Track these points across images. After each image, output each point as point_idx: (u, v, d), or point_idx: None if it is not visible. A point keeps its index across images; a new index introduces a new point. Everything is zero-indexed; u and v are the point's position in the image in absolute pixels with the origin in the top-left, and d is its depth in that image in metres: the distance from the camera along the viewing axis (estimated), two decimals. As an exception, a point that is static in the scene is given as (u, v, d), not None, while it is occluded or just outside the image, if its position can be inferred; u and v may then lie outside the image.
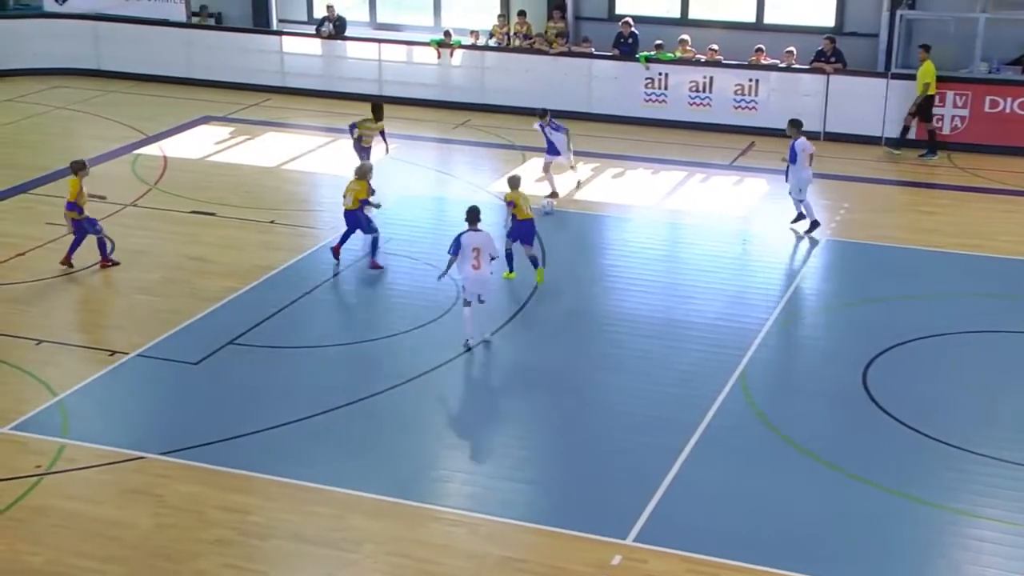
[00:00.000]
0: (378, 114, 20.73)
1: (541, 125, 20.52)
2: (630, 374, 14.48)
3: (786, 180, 19.04)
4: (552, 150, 20.52)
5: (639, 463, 12.45)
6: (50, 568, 10.57)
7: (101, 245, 17.14)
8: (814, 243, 18.55)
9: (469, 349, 14.67)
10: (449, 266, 14.84)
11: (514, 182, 17.05)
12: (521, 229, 16.80)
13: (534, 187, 20.17)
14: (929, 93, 22.44)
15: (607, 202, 20.55)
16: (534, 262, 16.83)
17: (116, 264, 17.13)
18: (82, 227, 16.97)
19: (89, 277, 16.90)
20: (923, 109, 22.64)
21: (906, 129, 22.94)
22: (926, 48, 22.54)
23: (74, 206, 16.89)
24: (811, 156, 18.76)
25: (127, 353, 14.59)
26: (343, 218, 17.43)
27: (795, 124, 18.96)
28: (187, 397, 13.79)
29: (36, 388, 13.73)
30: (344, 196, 17.37)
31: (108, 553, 10.81)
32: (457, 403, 13.99)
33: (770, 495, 11.96)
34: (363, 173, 17.62)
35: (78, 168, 17.17)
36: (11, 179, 20.90)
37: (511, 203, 16.84)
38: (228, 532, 11.18)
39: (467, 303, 14.73)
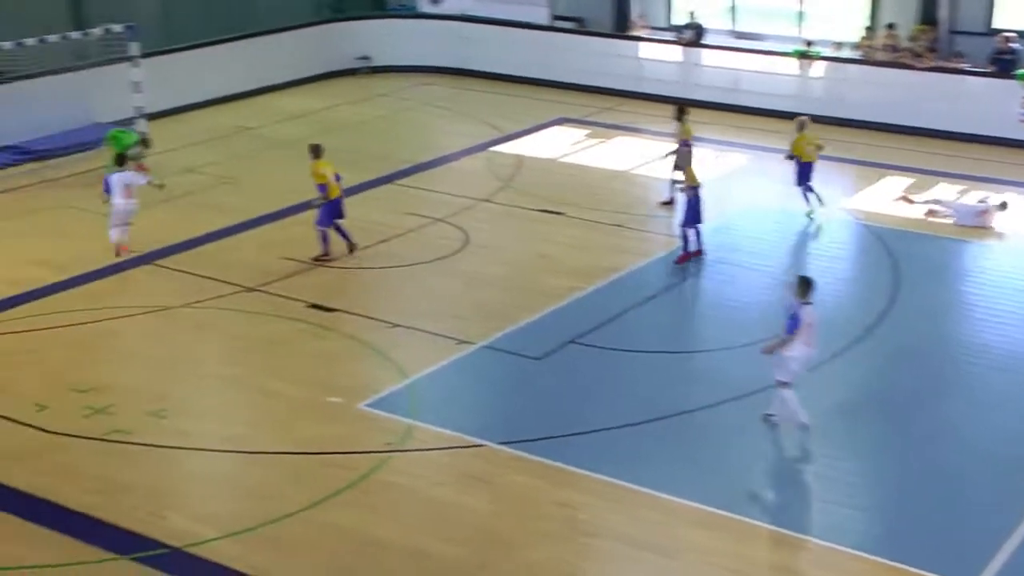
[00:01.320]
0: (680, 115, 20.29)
1: None
2: (982, 407, 13.65)
3: None
4: None
5: (990, 503, 11.69)
6: (394, 541, 11.08)
7: (323, 239, 17.57)
8: None
9: (768, 420, 13.27)
10: (782, 345, 12.80)
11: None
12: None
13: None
14: None
15: (969, 227, 19.44)
16: None
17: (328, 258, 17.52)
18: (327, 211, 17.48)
19: (442, 267, 17.64)
20: None
21: None
22: None
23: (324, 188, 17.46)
24: None
25: (473, 343, 15.11)
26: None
27: None
28: (527, 391, 14.12)
29: (389, 369, 14.45)
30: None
31: (447, 533, 11.23)
32: (792, 424, 13.62)
33: None
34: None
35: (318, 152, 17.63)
36: (380, 169, 22.12)
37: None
38: (559, 527, 11.37)
39: (785, 384, 12.90)
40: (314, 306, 15.24)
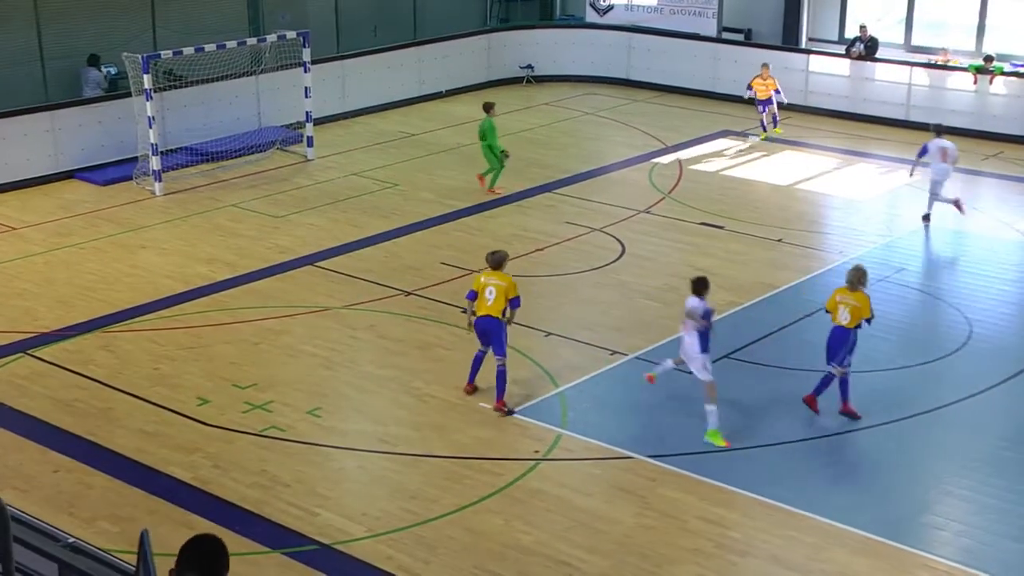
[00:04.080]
0: None
1: None
2: None
3: None
4: None
5: None
6: (538, 548, 11.06)
7: None
8: None
9: None
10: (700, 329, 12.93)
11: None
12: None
13: None
14: None
15: None
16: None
17: None
18: None
19: (597, 278, 17.57)
20: None
21: None
22: None
23: None
24: None
25: (626, 354, 15.00)
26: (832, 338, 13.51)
27: None
28: (679, 404, 13.93)
29: (541, 377, 14.45)
30: (837, 311, 13.38)
31: (592, 544, 11.14)
32: (958, 447, 13.09)
33: None
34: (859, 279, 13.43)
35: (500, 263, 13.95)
36: (540, 178, 22.20)
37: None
38: (706, 543, 11.17)
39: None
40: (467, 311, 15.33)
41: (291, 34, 23.08)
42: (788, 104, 26.56)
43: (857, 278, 13.33)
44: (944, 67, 25.32)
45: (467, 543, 11.15)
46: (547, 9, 31.98)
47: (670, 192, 21.52)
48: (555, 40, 30.29)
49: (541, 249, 18.60)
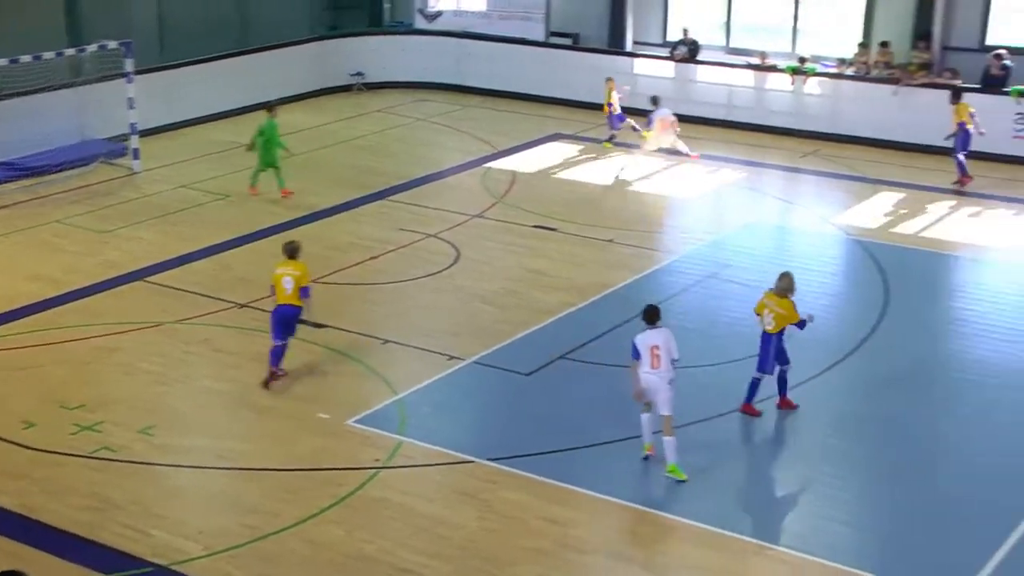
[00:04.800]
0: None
1: None
2: (976, 425, 13.64)
3: None
4: None
5: (980, 520, 11.68)
6: (381, 557, 11.03)
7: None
8: None
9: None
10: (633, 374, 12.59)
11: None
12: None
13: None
14: None
15: (961, 242, 19.48)
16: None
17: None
18: None
19: (433, 283, 17.61)
20: None
21: None
22: None
23: None
24: None
25: (464, 359, 15.08)
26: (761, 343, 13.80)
27: None
28: (518, 407, 14.09)
29: (379, 385, 14.41)
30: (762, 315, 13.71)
31: (435, 550, 11.18)
32: (789, 440, 13.57)
33: None
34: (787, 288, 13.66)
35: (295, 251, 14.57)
36: (373, 185, 22.13)
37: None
38: (548, 543, 11.32)
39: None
40: (304, 322, 15.22)
41: (112, 44, 22.47)
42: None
43: (786, 285, 13.58)
44: (762, 68, 26.18)
45: (308, 555, 11.06)
46: (376, 16, 31.86)
47: (503, 196, 21.71)
48: (385, 47, 30.21)
49: (376, 257, 18.55)
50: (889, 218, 20.52)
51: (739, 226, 20.25)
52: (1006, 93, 23.52)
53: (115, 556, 10.98)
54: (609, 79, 24.61)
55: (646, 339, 12.49)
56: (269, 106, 21.26)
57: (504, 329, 15.92)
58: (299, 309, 14.21)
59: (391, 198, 21.54)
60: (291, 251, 14.41)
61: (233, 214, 20.59)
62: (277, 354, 14.31)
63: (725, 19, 28.13)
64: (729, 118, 26.04)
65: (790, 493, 12.52)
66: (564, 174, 23.28)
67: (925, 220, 20.42)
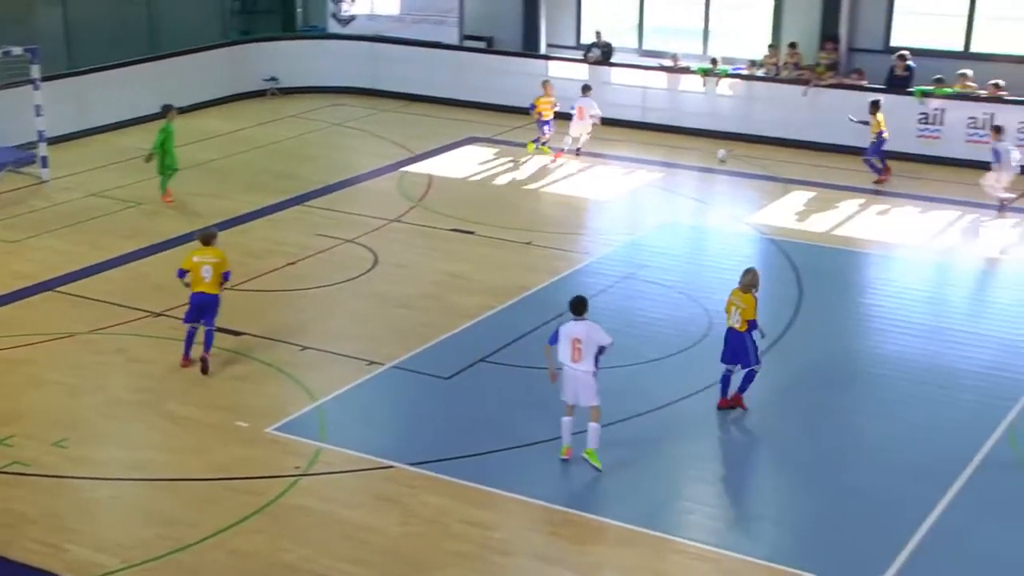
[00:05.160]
0: None
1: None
2: (889, 419, 13.92)
3: None
4: None
5: (894, 511, 11.93)
6: (303, 565, 10.97)
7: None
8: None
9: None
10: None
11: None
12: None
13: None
14: None
15: (870, 239, 19.88)
16: None
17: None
18: None
19: (352, 288, 17.55)
20: None
21: None
22: None
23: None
24: None
25: (383, 364, 15.04)
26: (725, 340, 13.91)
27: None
28: (438, 411, 14.09)
29: (298, 392, 14.33)
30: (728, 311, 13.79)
31: (358, 556, 11.14)
32: (705, 437, 13.73)
33: (1035, 558, 11.25)
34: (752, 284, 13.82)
35: (210, 238, 15.00)
36: (290, 190, 21.97)
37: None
38: (470, 546, 11.34)
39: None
40: (221, 330, 15.09)
41: (17, 50, 22.02)
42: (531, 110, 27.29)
43: (750, 281, 13.70)
44: (675, 70, 26.47)
45: (229, 565, 10.96)
46: (289, 21, 31.65)
47: (420, 200, 21.69)
48: (299, 51, 30.01)
49: (294, 263, 18.42)
50: (801, 217, 20.87)
51: (655, 227, 20.47)
52: (910, 93, 24.05)
53: (28, 573, 10.77)
54: (545, 82, 24.61)
55: (569, 330, 12.58)
56: (165, 109, 21.07)
57: (424, 333, 15.91)
58: (217, 297, 14.59)
59: (308, 203, 21.41)
60: (207, 238, 14.77)
61: (146, 222, 20.31)
62: (193, 336, 14.72)
63: (637, 22, 28.40)
64: (643, 120, 26.28)
65: (708, 490, 12.67)
66: (480, 177, 23.32)
67: (836, 218, 20.81)
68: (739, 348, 13.66)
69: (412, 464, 12.68)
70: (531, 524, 11.76)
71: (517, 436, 13.27)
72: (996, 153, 20.90)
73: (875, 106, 22.56)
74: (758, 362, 13.73)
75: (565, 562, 11.17)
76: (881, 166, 22.77)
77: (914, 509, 11.91)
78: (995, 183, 20.96)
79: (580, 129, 23.98)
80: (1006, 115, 23.06)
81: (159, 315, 16.32)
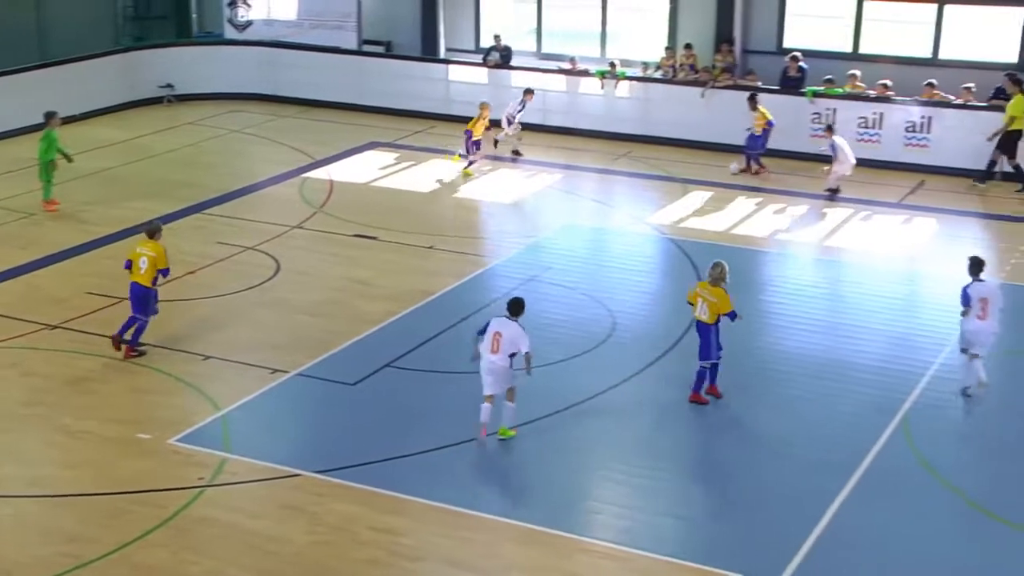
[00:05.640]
0: None
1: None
2: (788, 414, 14.19)
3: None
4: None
5: (795, 505, 12.18)
6: (208, 578, 10.87)
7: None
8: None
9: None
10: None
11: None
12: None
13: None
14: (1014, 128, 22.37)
15: (768, 238, 20.25)
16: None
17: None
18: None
19: (254, 296, 17.37)
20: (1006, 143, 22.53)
21: (992, 163, 22.80)
22: (1016, 81, 22.41)
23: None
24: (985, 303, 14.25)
25: (287, 372, 14.93)
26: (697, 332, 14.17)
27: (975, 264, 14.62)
28: (344, 417, 14.02)
29: (201, 402, 14.15)
30: (695, 304, 14.03)
31: (265, 567, 11.04)
32: (610, 436, 13.85)
33: (929, 545, 11.56)
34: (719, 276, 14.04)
35: (154, 232, 15.57)
36: (188, 198, 21.67)
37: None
38: (380, 553, 11.31)
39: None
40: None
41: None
42: (432, 114, 27.31)
43: (718, 274, 13.92)
44: (573, 73, 26.67)
45: (133, 581, 10.79)
46: (184, 27, 31.20)
47: (322, 206, 21.56)
48: (195, 57, 29.61)
49: (194, 272, 18.18)
50: (699, 216, 21.17)
51: (557, 229, 20.60)
52: (802, 94, 24.55)
53: (-75, 595, 10.51)
54: (483, 104, 23.74)
55: (495, 324, 13.11)
56: (47, 115, 20.79)
57: (328, 340, 15.82)
58: (149, 290, 15.16)
59: (207, 211, 21.14)
60: (150, 232, 15.54)
61: (39, 233, 19.88)
62: (129, 325, 15.17)
63: (536, 25, 28.55)
64: (544, 123, 26.41)
65: (614, 489, 12.79)
66: (382, 182, 23.25)
67: (733, 217, 21.15)
68: (702, 341, 14.01)
69: (319, 472, 12.60)
70: (440, 529, 11.75)
71: (424, 441, 13.26)
72: (833, 148, 22.01)
73: (753, 100, 23.14)
74: (718, 357, 14.05)
75: (475, 566, 11.20)
76: (757, 160, 23.61)
77: (814, 503, 12.15)
78: (839, 173, 22.05)
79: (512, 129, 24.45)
80: (894, 114, 23.73)
81: (55, 327, 15.99)
